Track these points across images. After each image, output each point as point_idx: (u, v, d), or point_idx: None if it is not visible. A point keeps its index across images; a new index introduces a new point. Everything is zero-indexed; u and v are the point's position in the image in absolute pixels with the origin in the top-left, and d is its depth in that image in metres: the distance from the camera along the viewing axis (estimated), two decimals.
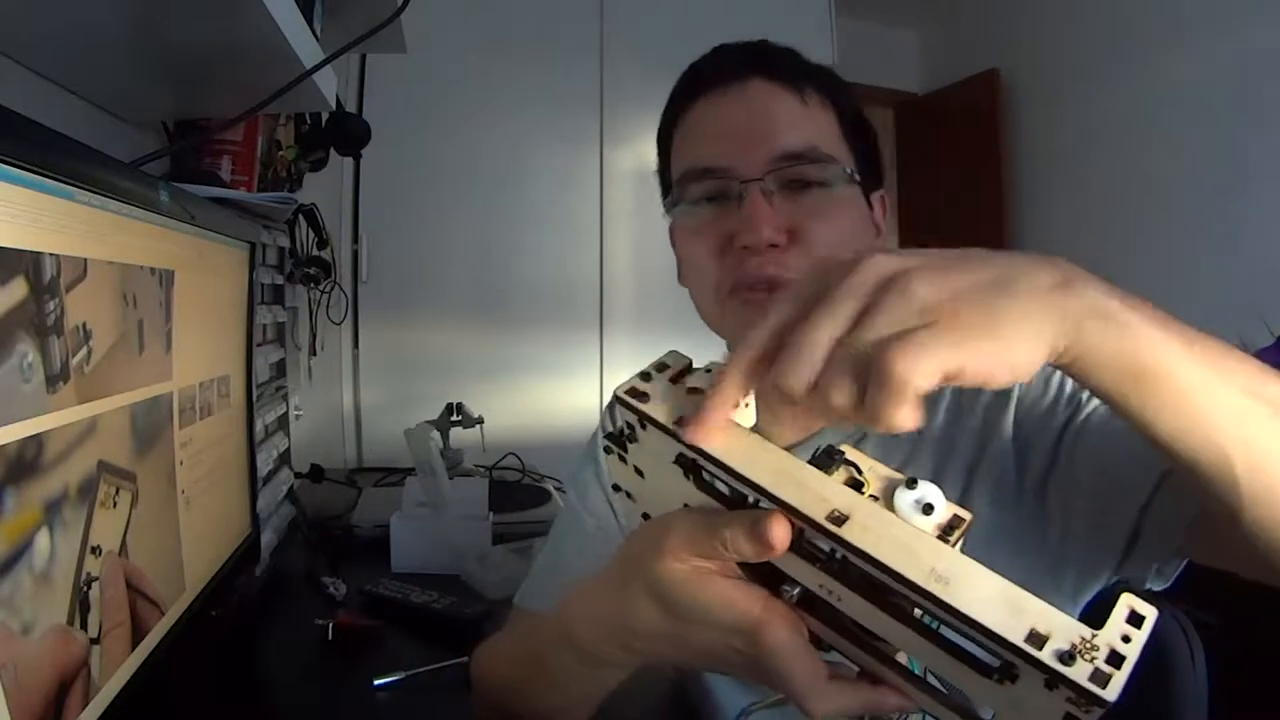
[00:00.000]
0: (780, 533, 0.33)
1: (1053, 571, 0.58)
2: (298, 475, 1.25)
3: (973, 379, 0.30)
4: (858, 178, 0.63)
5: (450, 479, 1.10)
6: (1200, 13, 2.38)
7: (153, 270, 0.58)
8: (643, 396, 0.37)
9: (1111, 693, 0.27)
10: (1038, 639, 0.28)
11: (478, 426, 1.46)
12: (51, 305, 0.42)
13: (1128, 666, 0.27)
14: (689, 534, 0.37)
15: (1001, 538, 0.56)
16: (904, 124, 3.67)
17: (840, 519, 0.32)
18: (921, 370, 0.29)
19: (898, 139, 3.69)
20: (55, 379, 0.43)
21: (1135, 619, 0.29)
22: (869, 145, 0.67)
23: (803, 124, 0.62)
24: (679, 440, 0.35)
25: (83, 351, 0.46)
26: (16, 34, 0.66)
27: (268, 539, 0.96)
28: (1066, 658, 0.28)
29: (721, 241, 0.61)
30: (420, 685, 0.73)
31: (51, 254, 0.42)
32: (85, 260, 0.46)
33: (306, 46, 0.80)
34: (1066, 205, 2.91)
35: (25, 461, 0.40)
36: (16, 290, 0.39)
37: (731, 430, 0.35)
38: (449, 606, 0.89)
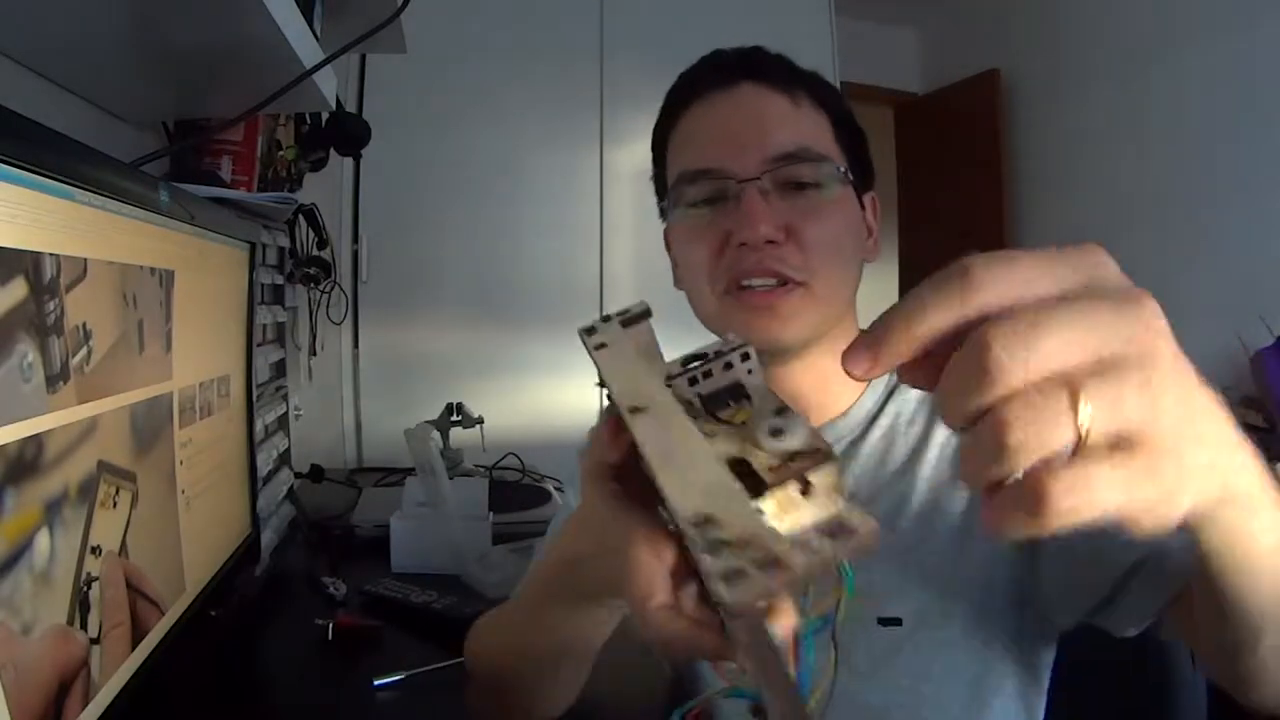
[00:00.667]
0: (611, 424, 0.36)
1: (1017, 607, 0.61)
2: (298, 475, 1.25)
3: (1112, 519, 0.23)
4: (851, 178, 0.65)
5: (450, 479, 1.10)
6: (1200, 13, 2.38)
7: (153, 270, 0.58)
8: (593, 332, 0.39)
9: (733, 595, 0.22)
10: (706, 521, 0.24)
11: (478, 426, 1.46)
12: (51, 305, 0.42)
13: (787, 578, 0.22)
14: (589, 451, 0.39)
15: (987, 579, 0.60)
16: (904, 124, 3.67)
17: (637, 409, 0.31)
18: (1084, 513, 0.22)
19: (898, 139, 3.69)
20: (55, 379, 0.43)
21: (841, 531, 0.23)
22: (860, 148, 0.68)
23: (795, 125, 0.63)
24: (595, 363, 0.36)
25: (83, 351, 0.46)
26: (16, 34, 0.66)
27: (268, 539, 0.96)
28: (714, 546, 0.23)
29: (719, 241, 0.62)
30: (420, 685, 0.73)
31: (51, 254, 0.42)
32: (85, 260, 0.46)
33: (306, 46, 0.80)
34: (1066, 205, 2.91)
35: (25, 461, 0.40)
36: (16, 290, 0.39)
37: (637, 359, 0.36)
38: (449, 606, 0.89)
